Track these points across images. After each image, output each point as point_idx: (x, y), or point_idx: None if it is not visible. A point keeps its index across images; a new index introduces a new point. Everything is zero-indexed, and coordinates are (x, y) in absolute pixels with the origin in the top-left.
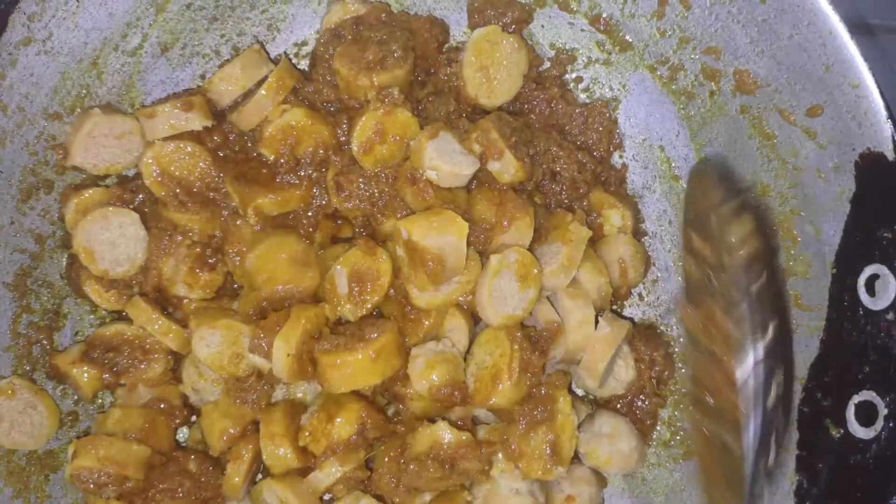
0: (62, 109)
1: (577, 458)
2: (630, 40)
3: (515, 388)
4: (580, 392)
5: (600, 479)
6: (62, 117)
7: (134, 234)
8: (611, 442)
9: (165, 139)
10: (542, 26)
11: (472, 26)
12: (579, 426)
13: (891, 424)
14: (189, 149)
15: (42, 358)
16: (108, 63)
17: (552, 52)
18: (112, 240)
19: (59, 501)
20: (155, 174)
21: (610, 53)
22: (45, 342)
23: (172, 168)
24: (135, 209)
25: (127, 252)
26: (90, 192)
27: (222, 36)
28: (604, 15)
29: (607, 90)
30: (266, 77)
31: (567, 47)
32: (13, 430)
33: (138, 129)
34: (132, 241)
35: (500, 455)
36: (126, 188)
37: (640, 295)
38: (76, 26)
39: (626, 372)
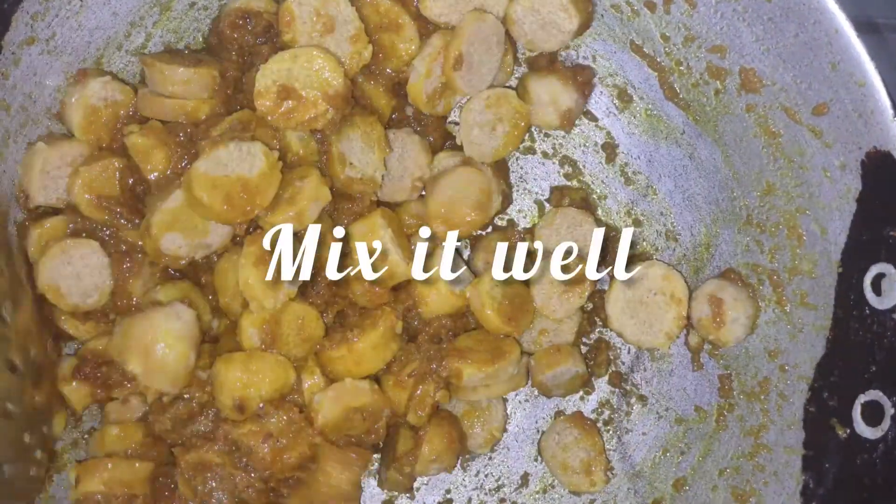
0: None
1: None
2: (635, 38)
3: None
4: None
5: None
6: None
7: (97, 263)
8: None
9: (87, 162)
10: None
11: None
12: None
13: None
14: (116, 164)
15: None
16: (111, 63)
17: None
18: (76, 272)
19: (61, 502)
20: (91, 201)
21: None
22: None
23: (106, 190)
24: (92, 236)
25: (93, 282)
26: (50, 222)
27: None
28: None
29: None
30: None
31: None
32: None
33: (88, 149)
34: (96, 270)
35: None
36: (77, 214)
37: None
38: (80, 26)
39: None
